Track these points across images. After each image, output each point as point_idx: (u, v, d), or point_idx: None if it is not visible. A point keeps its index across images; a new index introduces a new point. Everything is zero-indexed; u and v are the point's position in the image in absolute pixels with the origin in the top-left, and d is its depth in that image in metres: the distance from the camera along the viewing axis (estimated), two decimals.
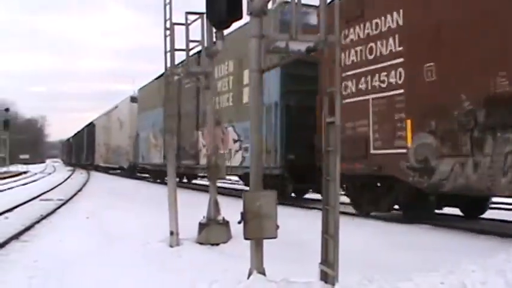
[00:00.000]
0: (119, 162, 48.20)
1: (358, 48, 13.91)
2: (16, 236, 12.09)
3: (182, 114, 26.35)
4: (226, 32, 10.19)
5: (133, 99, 42.81)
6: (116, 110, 50.45)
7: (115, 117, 50.45)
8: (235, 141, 20.78)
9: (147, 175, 40.26)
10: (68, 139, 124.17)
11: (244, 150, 19.49)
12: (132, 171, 43.52)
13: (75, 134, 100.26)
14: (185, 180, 33.22)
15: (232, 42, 16.89)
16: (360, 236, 10.34)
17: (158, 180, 35.59)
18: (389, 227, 12.23)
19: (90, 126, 73.29)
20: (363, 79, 13.72)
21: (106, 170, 58.40)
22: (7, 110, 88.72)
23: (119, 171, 52.00)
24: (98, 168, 63.74)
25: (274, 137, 18.05)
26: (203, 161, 21.74)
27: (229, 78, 21.83)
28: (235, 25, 8.15)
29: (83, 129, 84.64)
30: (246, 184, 19.82)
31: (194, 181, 34.01)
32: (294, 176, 17.94)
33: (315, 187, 18.10)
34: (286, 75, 17.59)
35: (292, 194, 20.22)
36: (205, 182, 28.53)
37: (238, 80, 20.91)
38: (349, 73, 14.09)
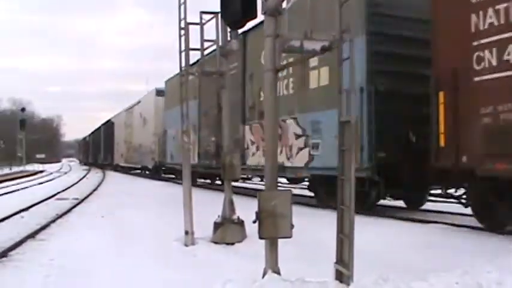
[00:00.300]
0: (142, 162, 44.13)
1: (502, 6, 10.19)
2: (32, 235, 12.15)
3: (223, 107, 22.35)
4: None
5: (159, 92, 37.91)
6: (139, 105, 46.32)
7: (137, 113, 46.48)
8: (297, 136, 16.90)
9: (173, 176, 35.57)
10: (85, 138, 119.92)
11: (313, 147, 15.95)
12: (157, 172, 39.34)
13: (92, 133, 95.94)
14: (218, 182, 28.49)
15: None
16: (375, 235, 10.29)
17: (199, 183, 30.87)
18: (404, 227, 12.16)
19: (108, 124, 69.46)
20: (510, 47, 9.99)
21: (127, 171, 54.94)
22: (23, 109, 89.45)
23: (140, 171, 48.76)
24: (117, 168, 60.68)
25: (360, 130, 14.28)
26: (252, 161, 19.94)
27: (287, 60, 17.53)
28: None
29: (100, 127, 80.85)
30: (313, 191, 17.84)
31: (235, 183, 28.74)
32: (385, 179, 14.18)
33: (409, 194, 15.46)
34: (374, 53, 13.94)
35: None
36: (251, 184, 27.33)
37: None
38: (485, 41, 10.53)
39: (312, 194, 17.97)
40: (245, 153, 20.34)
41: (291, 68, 16.45)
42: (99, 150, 79.20)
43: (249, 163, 20.18)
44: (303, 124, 16.53)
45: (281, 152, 16.95)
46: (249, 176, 23.67)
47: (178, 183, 28.17)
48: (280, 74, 15.64)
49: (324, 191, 16.46)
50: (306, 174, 17.15)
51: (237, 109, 20.16)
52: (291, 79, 17.32)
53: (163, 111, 34.79)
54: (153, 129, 38.18)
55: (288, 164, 17.03)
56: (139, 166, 45.96)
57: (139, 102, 46.29)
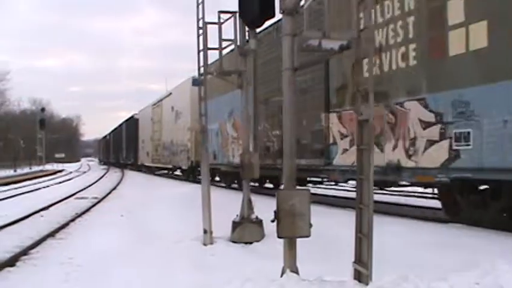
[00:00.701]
0: (174, 162, 38.34)
1: None
2: (52, 234, 12.25)
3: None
4: None
5: (196, 81, 31.11)
6: (170, 98, 40.67)
7: (168, 107, 40.84)
8: (426, 124, 12.03)
9: (217, 178, 29.67)
10: (105, 136, 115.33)
11: (456, 139, 11.16)
12: (193, 173, 33.58)
13: (114, 130, 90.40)
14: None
15: None
16: (394, 235, 10.24)
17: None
18: (423, 226, 12.10)
19: (131, 120, 64.03)
20: None
21: (153, 171, 50.49)
22: (43, 109, 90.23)
23: (168, 172, 44.85)
24: (142, 169, 56.30)
25: None
26: (342, 160, 14.82)
27: (407, 20, 12.57)
28: None
29: (122, 124, 75.63)
30: (446, 201, 12.96)
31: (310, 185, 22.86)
32: None
33: None
34: None
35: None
36: (335, 189, 23.53)
37: (431, 18, 11.92)
38: None
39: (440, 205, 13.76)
40: (329, 149, 15.49)
41: (413, 30, 12.38)
42: (121, 149, 75.09)
43: (337, 162, 15.21)
44: (438, 107, 11.72)
45: (395, 147, 12.88)
46: (338, 179, 16.35)
47: (222, 187, 27.14)
48: (393, 40, 12.85)
49: (468, 202, 12.04)
50: (443, 178, 11.72)
51: (315, 92, 16.22)
52: (411, 46, 12.43)
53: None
54: (189, 124, 32.62)
55: (408, 163, 12.51)
56: (170, 166, 40.47)
57: (170, 94, 41.12)
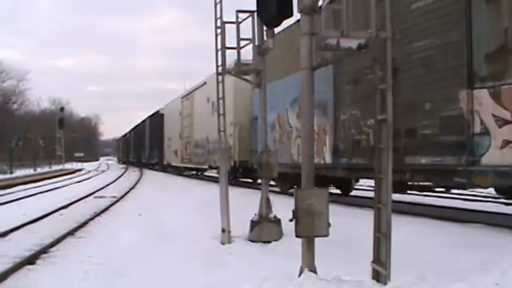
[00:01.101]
0: (210, 161, 31.75)
1: None
2: (71, 232, 12.34)
3: (408, 61, 12.29)
4: None
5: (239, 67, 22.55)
6: (204, 88, 33.38)
7: (202, 98, 33.75)
8: None
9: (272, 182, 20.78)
10: (125, 135, 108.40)
11: None
12: (235, 175, 27.80)
13: (135, 128, 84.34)
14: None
15: None
16: (412, 234, 10.20)
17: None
18: (439, 226, 12.02)
19: (156, 116, 57.78)
20: None
21: (180, 172, 44.61)
22: (62, 109, 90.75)
23: (196, 173, 41.71)
24: (168, 169, 50.35)
25: None
26: (496, 157, 10.07)
27: None
28: None
29: (144, 120, 69.63)
30: None
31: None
32: None
33: None
34: None
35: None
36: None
37: None
38: None
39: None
40: (475, 142, 10.54)
41: None
42: (143, 147, 69.28)
43: (489, 161, 10.26)
44: None
45: None
46: (490, 184, 11.56)
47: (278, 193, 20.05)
48: None
49: None
50: None
51: (447, 62, 11.25)
52: None
53: (251, 90, 23.13)
54: (232, 117, 26.06)
55: None
56: (206, 166, 34.16)
57: (203, 84, 34.01)
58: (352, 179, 19.03)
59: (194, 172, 41.84)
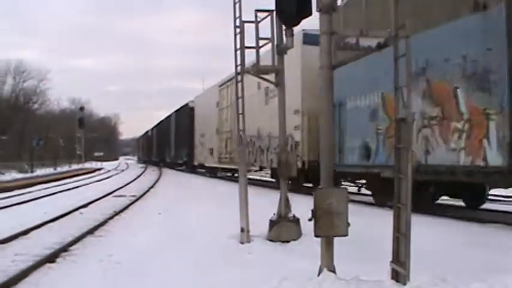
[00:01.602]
0: (264, 161, 26.00)
1: None
2: (91, 231, 12.41)
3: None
4: None
5: (310, 38, 19.28)
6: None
7: (249, 84, 14.86)
8: None
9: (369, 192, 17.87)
10: (146, 132, 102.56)
11: None
12: (305, 179, 21.34)
13: (158, 124, 78.65)
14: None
15: None
16: (432, 234, 10.14)
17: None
18: (460, 226, 11.95)
19: (183, 110, 51.39)
20: None
21: (213, 173, 40.25)
22: (82, 108, 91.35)
23: (229, 174, 36.21)
24: (198, 170, 46.06)
25: None
26: None
27: None
28: None
29: (169, 116, 63.43)
30: None
31: None
32: None
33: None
34: None
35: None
36: None
37: None
38: None
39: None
40: None
41: None
42: (168, 145, 62.89)
43: None
44: None
45: None
46: None
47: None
48: None
49: None
50: None
51: None
52: None
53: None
54: (298, 102, 20.47)
55: None
56: (255, 168, 28.00)
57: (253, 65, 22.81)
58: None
59: (229, 174, 35.71)
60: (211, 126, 36.20)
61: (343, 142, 17.02)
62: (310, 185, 20.55)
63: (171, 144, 60.09)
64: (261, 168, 27.55)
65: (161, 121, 74.28)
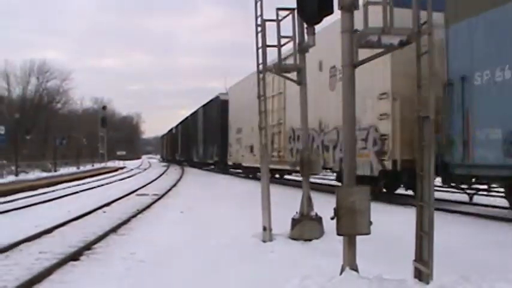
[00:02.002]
0: (326, 161, 20.12)
1: None
2: (114, 229, 12.49)
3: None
4: None
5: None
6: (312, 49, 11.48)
7: (308, 64, 11.46)
8: None
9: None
10: (170, 130, 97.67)
11: None
12: (398, 185, 17.86)
13: (183, 121, 73.55)
14: None
15: None
16: (456, 233, 10.07)
17: None
18: (488, 225, 11.84)
19: (214, 103, 45.89)
20: None
21: (252, 174, 34.37)
22: (104, 108, 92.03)
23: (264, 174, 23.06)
24: (228, 169, 42.57)
25: None
26: None
27: None
28: None
29: (196, 111, 58.40)
30: None
31: None
32: None
33: None
34: None
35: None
36: None
37: None
38: None
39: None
40: None
41: None
42: (195, 143, 57.72)
43: None
44: None
45: None
46: None
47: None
48: None
49: None
50: None
51: None
52: None
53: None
54: (385, 85, 16.40)
55: None
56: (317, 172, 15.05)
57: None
58: None
59: (277, 175, 29.95)
60: (252, 119, 27.92)
61: (469, 132, 12.68)
62: (403, 191, 17.61)
63: (199, 142, 54.92)
64: (325, 169, 21.04)
65: (187, 117, 69.39)
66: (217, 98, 44.45)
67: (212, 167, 50.46)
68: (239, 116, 34.83)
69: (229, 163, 39.39)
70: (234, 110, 37.55)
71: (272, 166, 23.52)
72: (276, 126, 25.92)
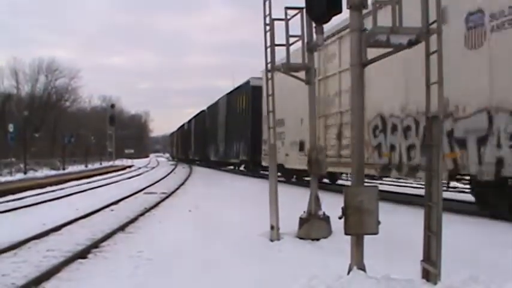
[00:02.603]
0: (472, 166, 12.39)
1: None
2: (122, 228, 12.52)
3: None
4: None
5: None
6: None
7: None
8: None
9: None
10: (182, 126, 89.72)
11: None
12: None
13: (197, 116, 67.53)
14: None
15: None
16: (463, 234, 10.04)
17: None
18: (495, 225, 11.79)
19: (241, 92, 38.51)
20: None
21: (299, 178, 27.09)
22: (113, 106, 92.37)
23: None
24: (259, 171, 34.42)
25: None
26: None
27: None
28: None
29: (215, 104, 51.63)
30: None
31: None
32: None
33: None
34: None
35: None
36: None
37: None
38: None
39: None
40: None
41: None
42: (214, 140, 50.93)
43: None
44: None
45: None
46: None
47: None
48: None
49: None
50: None
51: None
52: None
53: None
54: None
55: None
56: (419, 175, 14.39)
57: None
58: None
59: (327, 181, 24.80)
60: (298, 109, 21.19)
61: None
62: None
63: (219, 138, 47.62)
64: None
65: (202, 111, 62.50)
66: (247, 83, 36.45)
67: (234, 167, 44.79)
68: (280, 104, 21.74)
69: (264, 164, 29.64)
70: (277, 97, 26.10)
71: (343, 169, 20.36)
72: (346, 114, 18.56)
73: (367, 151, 16.03)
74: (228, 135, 43.53)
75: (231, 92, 43.19)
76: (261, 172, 33.22)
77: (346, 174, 21.73)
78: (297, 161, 23.64)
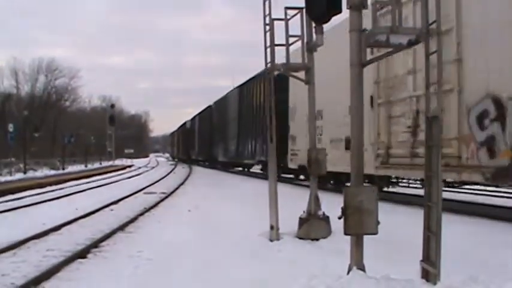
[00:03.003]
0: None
1: None
2: (121, 227, 12.52)
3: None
4: None
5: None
6: None
7: None
8: None
9: None
10: (183, 124, 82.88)
11: None
12: None
13: (202, 112, 61.65)
14: None
15: None
16: (463, 234, 10.04)
17: None
18: (494, 225, 11.80)
19: (257, 82, 31.92)
20: None
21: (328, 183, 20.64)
22: (112, 106, 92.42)
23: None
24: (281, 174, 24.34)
25: None
26: None
27: None
28: None
29: (224, 98, 46.55)
30: None
31: None
32: None
33: None
34: None
35: None
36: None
37: None
38: None
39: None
40: None
41: None
42: (223, 138, 45.11)
43: None
44: None
45: None
46: None
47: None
48: None
49: None
50: None
51: None
52: None
53: None
54: None
55: None
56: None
57: None
58: None
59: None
60: (341, 98, 15.67)
61: None
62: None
63: (229, 136, 42.11)
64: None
65: (208, 107, 56.25)
66: (266, 71, 23.42)
67: (243, 169, 39.94)
68: (320, 93, 17.00)
69: (292, 166, 24.54)
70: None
71: (417, 174, 13.42)
72: (418, 99, 13.49)
73: (467, 148, 11.64)
74: (240, 133, 37.56)
75: (245, 82, 37.17)
76: (283, 176, 25.81)
77: (417, 180, 16.20)
78: (342, 162, 16.14)
